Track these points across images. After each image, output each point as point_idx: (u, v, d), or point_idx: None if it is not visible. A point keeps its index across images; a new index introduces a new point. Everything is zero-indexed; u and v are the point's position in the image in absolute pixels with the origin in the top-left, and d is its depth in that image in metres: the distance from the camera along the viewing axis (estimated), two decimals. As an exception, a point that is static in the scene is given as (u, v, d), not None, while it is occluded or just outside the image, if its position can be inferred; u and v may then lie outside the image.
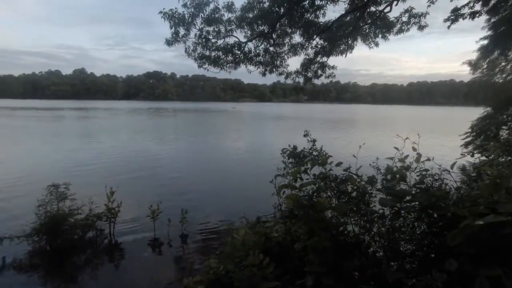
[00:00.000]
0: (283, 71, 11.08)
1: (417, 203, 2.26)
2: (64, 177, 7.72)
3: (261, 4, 9.25)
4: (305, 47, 11.08)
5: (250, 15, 9.45)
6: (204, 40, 9.29)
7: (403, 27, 9.97)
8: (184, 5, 8.49)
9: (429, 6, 9.39)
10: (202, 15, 8.77)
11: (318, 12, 9.52)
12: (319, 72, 12.09)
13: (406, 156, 2.57)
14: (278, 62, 10.80)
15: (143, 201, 7.65)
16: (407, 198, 2.34)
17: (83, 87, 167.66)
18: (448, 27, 9.53)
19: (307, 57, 11.45)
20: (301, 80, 12.19)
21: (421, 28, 9.73)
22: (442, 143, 19.64)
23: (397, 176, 2.48)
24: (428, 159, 2.53)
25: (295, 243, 2.63)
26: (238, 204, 8.18)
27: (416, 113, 75.92)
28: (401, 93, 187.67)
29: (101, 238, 6.10)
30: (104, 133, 24.58)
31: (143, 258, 5.50)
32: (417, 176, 2.52)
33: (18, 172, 11.13)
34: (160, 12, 8.33)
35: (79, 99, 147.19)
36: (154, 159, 14.39)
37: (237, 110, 76.69)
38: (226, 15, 9.27)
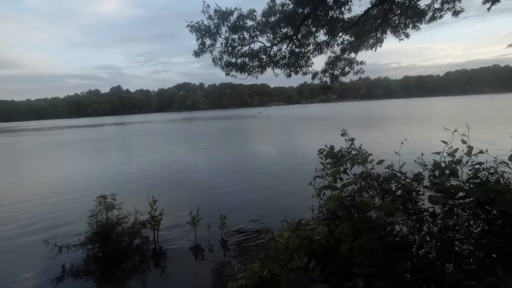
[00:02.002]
0: (307, 70, 10.94)
1: (472, 199, 2.11)
2: (110, 188, 8.26)
3: (284, 7, 9.27)
4: (330, 44, 10.87)
5: (272, 19, 9.49)
6: (230, 48, 9.50)
7: (435, 15, 9.40)
8: (209, 17, 8.77)
9: (464, -11, 8.77)
10: (227, 24, 8.99)
11: (343, 8, 9.32)
12: (347, 69, 11.77)
13: (456, 150, 2.42)
14: (302, 62, 10.69)
15: (183, 208, 7.93)
16: (460, 194, 2.19)
17: (120, 103, 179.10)
18: (488, 9, 8.80)
19: (333, 54, 11.21)
20: (328, 79, 11.95)
21: (456, 13, 9.09)
22: (493, 134, 18.10)
23: (447, 171, 2.34)
24: (481, 152, 2.36)
25: (339, 245, 2.57)
26: (274, 207, 8.17)
27: (457, 103, 70.83)
28: (438, 83, 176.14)
29: (146, 245, 6.40)
30: (144, 146, 25.93)
31: (187, 263, 5.69)
32: (469, 170, 2.35)
33: (70, 186, 12.12)
34: (188, 26, 8.66)
35: (117, 114, 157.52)
36: (191, 167, 14.86)
37: (263, 115, 76.95)
38: (249, 22, 9.41)
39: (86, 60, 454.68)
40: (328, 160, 3.22)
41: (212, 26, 8.92)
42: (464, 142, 2.44)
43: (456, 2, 8.91)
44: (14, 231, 7.63)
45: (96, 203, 6.15)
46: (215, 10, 8.67)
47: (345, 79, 12.32)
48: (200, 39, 9.04)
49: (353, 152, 3.27)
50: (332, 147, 3.33)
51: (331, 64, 11.35)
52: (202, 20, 8.78)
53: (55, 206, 9.45)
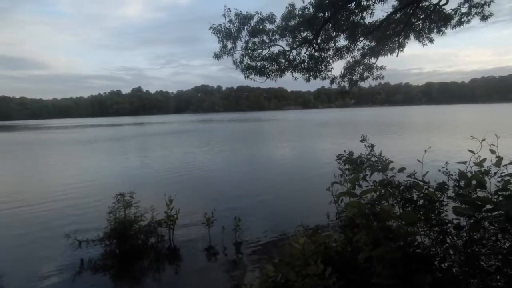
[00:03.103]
0: (327, 75, 10.84)
1: (501, 212, 2.00)
2: (128, 186, 8.47)
3: (304, 11, 9.25)
4: (351, 49, 10.73)
5: (292, 23, 9.49)
6: (250, 51, 9.57)
7: (462, 19, 9.05)
8: (230, 21, 8.90)
9: (493, -7, 8.41)
10: (247, 28, 9.08)
11: (364, 13, 9.19)
12: (366, 74, 11.56)
13: (484, 160, 2.31)
14: (322, 67, 10.60)
15: (198, 209, 8.02)
16: (488, 207, 2.08)
17: (140, 104, 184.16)
18: (520, 13, 8.40)
19: (353, 59, 11.06)
20: (346, 84, 11.78)
21: (484, 18, 8.72)
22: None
23: (473, 182, 2.23)
24: (511, 163, 2.24)
25: (356, 253, 2.50)
26: (289, 212, 8.12)
27: (483, 111, 67.87)
28: (462, 90, 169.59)
29: (162, 244, 6.50)
30: (162, 146, 26.48)
31: (200, 264, 5.72)
32: (498, 182, 2.24)
33: (91, 183, 12.56)
34: (210, 28, 8.83)
35: (137, 115, 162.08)
36: (207, 168, 15.00)
37: (278, 118, 77.55)
38: (269, 26, 9.46)
39: (110, 62, 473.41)
40: (346, 166, 3.16)
41: (232, 29, 9.04)
42: (493, 152, 2.32)
43: (485, 6, 8.57)
44: (39, 223, 7.98)
45: (114, 201, 6.33)
46: (236, 14, 8.78)
47: (364, 84, 12.11)
48: (221, 42, 9.19)
49: (373, 159, 3.19)
50: (351, 153, 3.27)
51: (350, 69, 11.20)
52: (223, 23, 8.93)
53: (76, 202, 9.80)
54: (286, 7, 9.39)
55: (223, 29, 8.88)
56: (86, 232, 6.73)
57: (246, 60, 9.64)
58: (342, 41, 10.39)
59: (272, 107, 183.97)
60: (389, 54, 10.76)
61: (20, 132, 57.91)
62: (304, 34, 9.75)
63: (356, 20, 9.41)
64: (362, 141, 3.16)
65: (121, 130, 54.78)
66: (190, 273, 5.45)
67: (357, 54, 10.85)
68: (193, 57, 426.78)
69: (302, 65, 10.07)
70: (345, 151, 3.26)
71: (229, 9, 8.69)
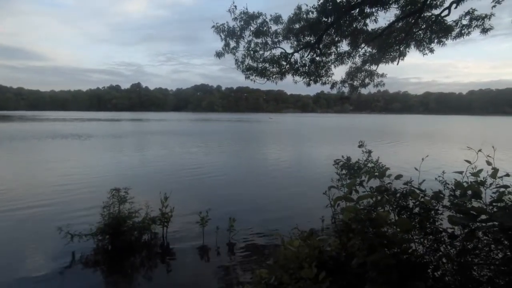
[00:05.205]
0: (327, 80, 10.88)
1: (495, 223, 2.01)
2: (125, 182, 8.42)
3: (308, 15, 9.28)
4: (352, 55, 10.80)
5: (297, 26, 9.52)
6: (252, 52, 9.58)
7: (463, 31, 9.16)
8: (235, 19, 8.90)
9: (494, 6, 8.52)
10: (251, 28, 9.09)
11: (367, 20, 9.26)
12: (367, 80, 11.63)
13: (480, 171, 2.33)
14: (323, 72, 10.64)
15: (193, 208, 7.98)
16: (483, 217, 2.10)
17: (138, 100, 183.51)
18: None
19: (354, 65, 11.12)
20: (347, 89, 11.83)
21: (484, 31, 8.83)
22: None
23: (469, 192, 2.25)
24: (507, 175, 2.26)
25: (350, 259, 2.51)
26: (284, 215, 8.11)
27: (481, 123, 68.52)
28: (460, 102, 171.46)
29: (155, 241, 6.47)
30: (160, 145, 26.39)
31: (193, 264, 5.70)
32: (493, 193, 2.26)
33: (89, 177, 12.47)
34: (213, 26, 8.82)
35: (135, 111, 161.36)
36: (204, 169, 14.95)
37: (274, 121, 78.18)
38: (273, 27, 9.47)
39: (111, 57, 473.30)
40: (343, 171, 3.17)
41: (236, 28, 9.04)
42: (489, 163, 2.34)
43: (485, 19, 8.67)
44: (31, 216, 7.90)
45: (109, 196, 6.28)
46: (241, 12, 8.77)
47: (363, 91, 12.18)
48: (224, 40, 9.17)
49: (370, 165, 3.21)
50: (348, 158, 3.28)
51: (351, 74, 11.26)
52: (227, 22, 8.92)
53: (71, 198, 9.73)
54: (294, 9, 9.41)
55: (226, 27, 8.87)
56: (79, 226, 6.64)
57: (248, 61, 9.64)
58: (344, 47, 10.45)
59: (270, 110, 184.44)
60: (389, 62, 10.85)
61: (16, 123, 57.29)
62: (307, 38, 9.77)
63: (358, 27, 9.48)
64: (359, 146, 3.17)
65: (121, 125, 54.48)
66: (182, 272, 5.43)
67: (358, 60, 10.92)
68: (193, 56, 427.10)
69: (303, 68, 10.10)
70: (342, 156, 3.28)
71: (235, 6, 8.68)
